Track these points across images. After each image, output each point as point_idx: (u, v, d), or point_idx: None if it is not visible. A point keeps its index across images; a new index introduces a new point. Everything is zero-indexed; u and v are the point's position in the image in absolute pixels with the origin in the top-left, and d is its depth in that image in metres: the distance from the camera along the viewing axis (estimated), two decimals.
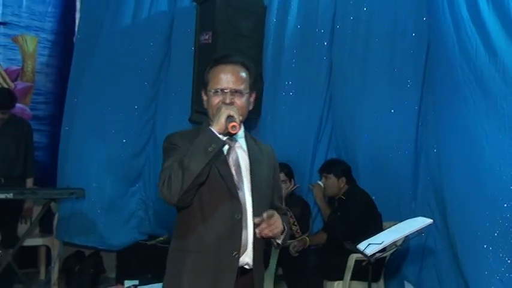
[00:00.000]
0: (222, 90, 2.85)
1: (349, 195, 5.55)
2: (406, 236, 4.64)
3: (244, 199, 2.86)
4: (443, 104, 5.14)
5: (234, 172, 2.86)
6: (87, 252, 7.12)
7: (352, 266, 5.18)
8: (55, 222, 7.04)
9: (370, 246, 4.31)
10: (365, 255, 4.35)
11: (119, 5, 6.94)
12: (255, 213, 2.84)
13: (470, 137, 4.82)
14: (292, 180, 6.02)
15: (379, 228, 4.95)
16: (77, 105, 7.04)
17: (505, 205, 4.60)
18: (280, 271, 5.81)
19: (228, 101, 2.83)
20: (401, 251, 5.49)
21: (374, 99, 5.80)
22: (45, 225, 7.20)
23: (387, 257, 5.39)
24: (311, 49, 6.11)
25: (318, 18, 6.08)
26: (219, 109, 2.77)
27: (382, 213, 5.49)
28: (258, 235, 2.83)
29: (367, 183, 5.71)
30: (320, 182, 5.74)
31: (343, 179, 5.59)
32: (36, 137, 6.57)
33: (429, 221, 4.37)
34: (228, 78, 2.86)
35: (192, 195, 2.73)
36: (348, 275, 5.21)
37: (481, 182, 4.72)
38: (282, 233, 2.91)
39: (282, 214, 3.01)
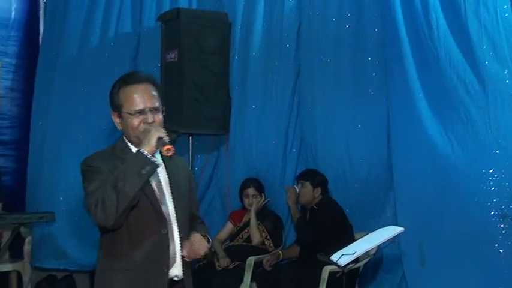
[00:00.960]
0: (141, 111, 2.84)
1: (320, 206, 5.59)
2: (379, 246, 4.65)
3: (168, 213, 2.89)
4: (407, 114, 5.19)
5: (155, 188, 2.88)
6: (59, 276, 7.03)
7: (326, 278, 5.19)
8: (25, 247, 6.95)
9: (343, 256, 4.30)
10: (338, 266, 4.35)
11: (84, 27, 6.93)
12: (180, 226, 2.90)
13: (436, 145, 4.88)
14: (263, 194, 6.04)
15: (350, 239, 5.01)
16: (44, 128, 6.99)
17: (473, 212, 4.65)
18: (254, 286, 5.79)
19: (150, 120, 2.84)
20: (375, 261, 5.51)
21: (342, 111, 5.86)
22: (15, 250, 7.11)
23: (360, 268, 5.41)
24: (277, 63, 6.16)
25: (283, 31, 6.13)
26: (147, 131, 2.77)
27: (353, 224, 5.52)
28: (187, 259, 2.90)
29: (337, 195, 5.74)
30: (296, 187, 5.76)
31: (319, 189, 5.63)
32: (2, 162, 6.52)
33: (400, 229, 4.38)
34: (145, 98, 2.86)
35: (125, 216, 2.72)
36: (322, 286, 5.21)
37: (450, 189, 4.78)
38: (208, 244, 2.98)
39: (200, 223, 3.14)
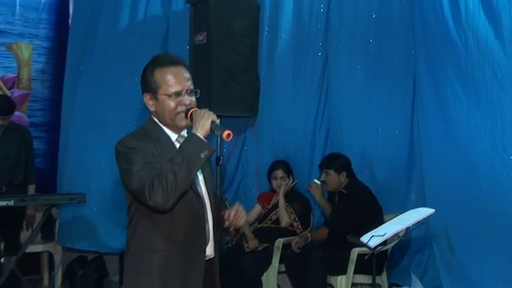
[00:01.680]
0: (179, 92, 2.86)
1: (349, 189, 5.56)
2: (408, 227, 4.64)
3: (202, 194, 2.93)
4: (433, 99, 5.15)
5: None
6: (89, 257, 7.12)
7: (355, 260, 5.20)
8: (56, 228, 7.05)
9: (373, 238, 4.32)
10: (368, 247, 4.37)
11: (114, 10, 6.98)
12: (212, 206, 2.96)
13: (462, 131, 4.84)
14: (291, 176, 6.04)
15: (380, 221, 4.97)
16: (75, 110, 7.06)
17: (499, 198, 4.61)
18: (283, 267, 5.82)
19: (187, 102, 2.86)
20: (403, 243, 5.50)
21: (369, 94, 5.82)
22: (47, 231, 7.20)
23: (389, 250, 5.41)
24: (306, 45, 6.13)
25: (312, 14, 6.09)
26: (200, 115, 2.77)
27: (383, 206, 5.49)
28: (227, 226, 2.99)
29: (365, 177, 5.72)
30: (316, 180, 5.72)
31: (344, 173, 5.58)
32: (34, 144, 6.56)
33: (431, 211, 4.38)
34: (181, 80, 2.88)
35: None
36: (351, 268, 5.23)
37: (476, 175, 4.74)
38: None
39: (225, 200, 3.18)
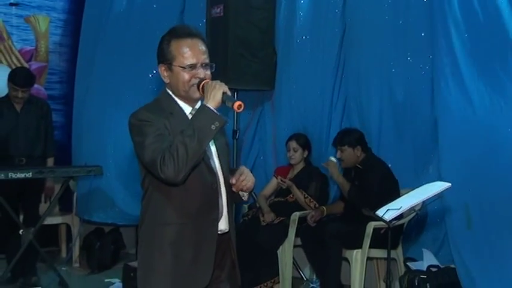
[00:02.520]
0: (194, 65, 2.85)
1: (365, 164, 5.53)
2: (424, 201, 4.63)
3: (216, 168, 2.91)
4: (453, 76, 5.10)
5: None
6: (106, 229, 7.19)
7: (370, 234, 5.19)
8: (74, 200, 7.11)
9: (389, 211, 4.30)
10: (384, 220, 4.36)
11: None
12: (225, 181, 2.93)
13: (483, 109, 4.80)
14: (307, 150, 6.02)
15: (396, 195, 4.95)
16: (92, 82, 7.09)
17: None
18: (298, 241, 5.84)
19: (201, 75, 2.84)
20: (419, 218, 5.50)
21: (387, 67, 5.77)
22: (64, 203, 7.28)
23: (405, 224, 5.41)
24: (323, 19, 6.08)
25: None
26: (211, 86, 2.75)
27: (399, 180, 5.48)
28: (235, 189, 2.92)
29: (382, 150, 5.71)
30: (332, 158, 5.71)
31: (358, 147, 5.55)
32: (52, 117, 6.61)
33: (447, 184, 4.34)
34: (197, 52, 2.86)
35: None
36: (366, 242, 5.22)
37: (495, 153, 4.71)
38: None
39: None
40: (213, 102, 2.71)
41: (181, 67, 2.84)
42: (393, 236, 4.84)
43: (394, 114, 5.76)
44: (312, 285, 5.96)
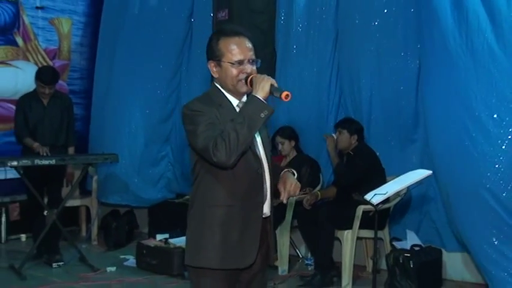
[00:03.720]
0: (241, 61, 2.82)
1: (356, 151, 5.56)
2: (408, 187, 4.65)
3: (261, 156, 2.90)
4: (436, 69, 5.09)
5: None
6: (122, 211, 7.22)
7: (360, 216, 5.22)
8: (93, 184, 7.15)
9: (376, 196, 4.35)
10: (371, 204, 4.40)
11: None
12: (269, 167, 2.92)
13: (461, 99, 4.79)
14: (293, 141, 6.00)
15: (382, 181, 4.99)
16: (108, 78, 7.13)
17: (496, 166, 4.59)
18: (295, 223, 5.87)
19: (248, 70, 2.82)
20: (403, 202, 5.52)
21: (376, 66, 5.77)
22: (84, 187, 7.32)
23: (391, 208, 5.44)
24: (319, 20, 6.06)
25: None
26: (259, 78, 2.74)
27: (386, 168, 5.50)
28: (285, 200, 2.89)
29: (371, 140, 5.73)
30: (334, 135, 5.74)
31: (355, 136, 5.57)
32: (74, 110, 6.63)
33: (428, 172, 4.39)
34: (244, 49, 2.82)
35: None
36: (356, 224, 5.26)
37: (473, 140, 4.71)
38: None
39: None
40: (261, 93, 2.70)
41: (230, 63, 2.82)
42: (380, 218, 4.88)
43: (383, 109, 5.76)
44: (306, 262, 6.02)
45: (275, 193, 2.96)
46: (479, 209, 4.66)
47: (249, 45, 2.86)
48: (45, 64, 7.26)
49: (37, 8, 7.38)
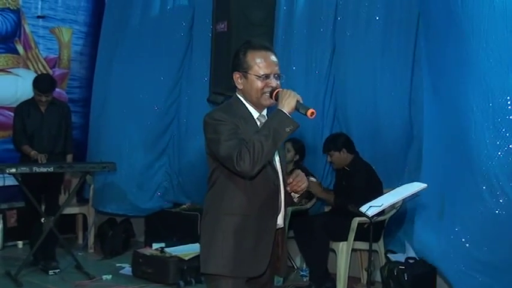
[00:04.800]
0: (267, 75, 2.85)
1: (352, 167, 5.55)
2: (403, 199, 4.66)
3: (277, 168, 2.93)
4: (432, 81, 5.09)
5: None
6: (118, 219, 7.22)
7: (355, 228, 5.22)
8: (90, 192, 7.14)
9: (371, 208, 4.35)
10: (367, 216, 4.40)
11: (145, 1, 7.08)
12: (284, 180, 2.95)
13: (456, 109, 4.77)
14: (298, 155, 6.00)
15: (380, 194, 4.97)
16: (108, 88, 7.14)
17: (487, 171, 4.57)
18: (291, 233, 5.85)
19: (274, 84, 2.84)
20: (400, 215, 5.52)
21: (371, 82, 5.79)
22: (82, 195, 7.31)
23: (386, 220, 5.43)
24: (316, 35, 6.09)
25: (322, 7, 6.06)
26: (286, 93, 2.76)
27: (384, 180, 5.49)
28: (289, 190, 2.93)
29: (368, 154, 5.73)
30: (312, 178, 5.56)
31: (344, 149, 5.55)
32: (72, 118, 6.63)
33: (423, 185, 4.38)
34: (271, 64, 2.86)
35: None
36: (351, 236, 5.25)
37: (468, 149, 4.70)
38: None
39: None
40: (287, 108, 2.72)
41: (256, 76, 2.85)
42: (375, 230, 4.86)
43: (378, 124, 5.78)
44: (302, 273, 6.01)
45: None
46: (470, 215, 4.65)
47: (276, 60, 2.90)
48: (45, 72, 7.25)
49: (38, 17, 7.39)
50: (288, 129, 2.70)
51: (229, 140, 2.72)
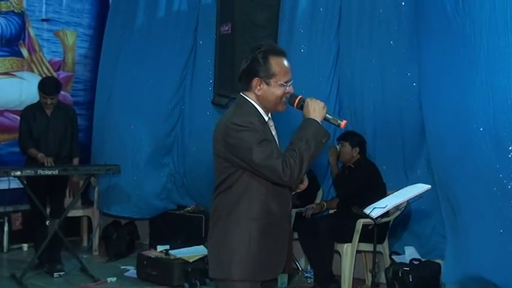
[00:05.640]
0: (288, 82, 2.84)
1: (357, 165, 5.57)
2: (408, 201, 4.65)
3: None
4: (434, 77, 5.06)
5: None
6: (123, 222, 7.22)
7: (360, 230, 5.22)
8: (95, 195, 7.15)
9: (375, 209, 4.36)
10: (370, 218, 4.40)
11: (151, 3, 7.10)
12: None
13: (458, 108, 4.75)
14: None
15: (383, 196, 4.98)
16: (112, 91, 7.16)
17: (498, 166, 4.53)
18: (295, 235, 5.85)
19: (292, 91, 2.85)
20: (404, 216, 5.52)
21: (377, 80, 5.78)
22: (87, 198, 7.32)
23: (391, 222, 5.43)
24: (320, 36, 6.09)
25: (326, 8, 6.04)
26: (315, 103, 2.79)
27: (386, 182, 5.50)
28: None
29: (375, 154, 5.73)
30: (337, 146, 5.75)
31: (357, 149, 5.58)
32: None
33: (427, 186, 4.39)
34: (289, 70, 2.86)
35: None
36: (356, 237, 5.25)
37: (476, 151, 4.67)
38: None
39: None
40: (319, 117, 2.76)
41: (279, 82, 2.82)
42: (380, 231, 4.88)
43: (385, 122, 5.77)
44: (306, 274, 6.00)
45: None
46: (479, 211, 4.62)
47: (289, 65, 2.88)
48: (49, 75, 7.27)
49: (42, 20, 7.41)
50: (323, 140, 2.73)
51: (263, 147, 2.68)
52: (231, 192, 2.82)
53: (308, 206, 5.82)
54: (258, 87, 2.83)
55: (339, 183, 5.65)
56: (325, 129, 2.73)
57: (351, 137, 5.66)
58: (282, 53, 2.87)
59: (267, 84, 2.82)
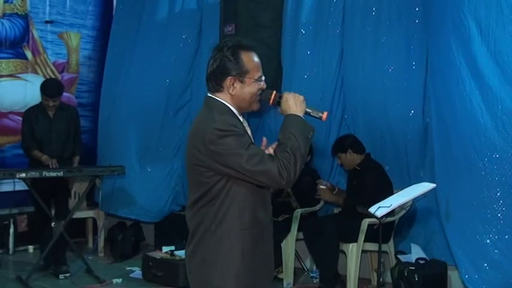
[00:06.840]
0: (261, 77, 2.70)
1: (363, 167, 5.56)
2: (413, 200, 4.65)
3: None
4: (442, 85, 5.08)
5: None
6: (128, 223, 7.23)
7: (365, 229, 5.22)
8: (100, 196, 7.17)
9: (380, 209, 4.36)
10: (375, 217, 4.40)
11: (155, 4, 7.12)
12: None
13: (465, 112, 4.76)
14: (309, 154, 6.01)
15: (390, 195, 4.96)
16: (115, 92, 7.18)
17: (496, 178, 4.55)
18: (300, 235, 5.86)
19: (264, 86, 2.70)
20: (409, 215, 5.52)
21: (381, 81, 5.78)
22: (92, 199, 7.34)
23: (396, 221, 5.43)
24: (324, 36, 6.09)
25: (330, 8, 6.06)
26: (294, 97, 2.66)
27: (394, 182, 5.49)
28: None
29: (378, 156, 5.72)
30: (321, 186, 5.64)
31: (350, 150, 5.56)
32: (81, 122, 6.66)
33: (432, 185, 4.39)
34: (260, 65, 2.71)
35: None
36: (361, 237, 5.25)
37: (477, 151, 4.68)
38: None
39: None
40: (301, 112, 2.64)
41: (253, 79, 2.66)
42: (385, 231, 4.87)
43: (388, 124, 5.77)
44: (312, 274, 6.01)
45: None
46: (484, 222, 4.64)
47: (259, 59, 2.73)
48: (53, 77, 7.30)
49: (46, 22, 7.45)
50: (309, 136, 2.60)
51: (251, 152, 2.52)
52: (216, 203, 2.62)
53: (306, 209, 5.80)
54: (232, 87, 2.66)
55: (353, 205, 5.38)
56: (309, 123, 2.62)
57: (337, 146, 5.67)
58: (251, 48, 2.71)
59: (241, 82, 2.65)
